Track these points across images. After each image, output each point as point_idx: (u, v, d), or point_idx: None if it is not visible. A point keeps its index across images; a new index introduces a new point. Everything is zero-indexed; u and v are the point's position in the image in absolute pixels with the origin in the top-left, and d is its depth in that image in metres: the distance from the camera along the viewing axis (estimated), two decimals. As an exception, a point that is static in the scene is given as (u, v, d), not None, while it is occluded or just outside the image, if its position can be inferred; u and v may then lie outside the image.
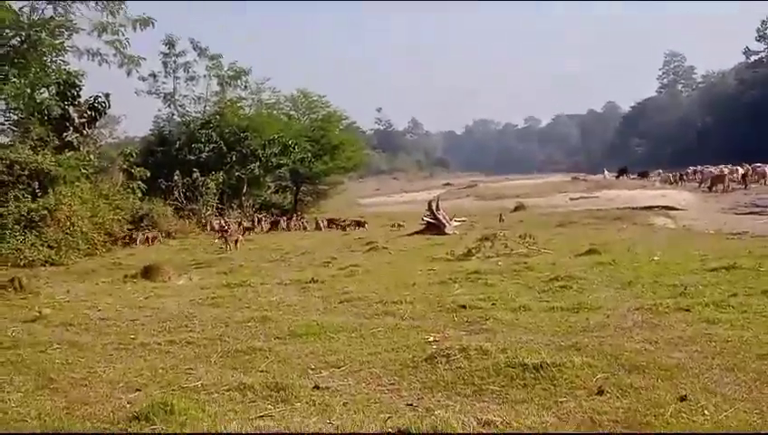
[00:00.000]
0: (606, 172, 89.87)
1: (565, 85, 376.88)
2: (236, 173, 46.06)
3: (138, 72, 32.65)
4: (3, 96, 26.28)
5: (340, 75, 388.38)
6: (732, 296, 11.21)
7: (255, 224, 38.83)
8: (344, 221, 38.74)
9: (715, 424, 6.09)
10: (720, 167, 67.32)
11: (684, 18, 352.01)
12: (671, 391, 6.90)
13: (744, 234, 24.65)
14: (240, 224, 36.95)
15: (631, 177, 78.31)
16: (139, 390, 7.81)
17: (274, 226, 39.13)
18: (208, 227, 36.35)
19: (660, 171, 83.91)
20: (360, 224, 37.51)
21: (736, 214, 36.27)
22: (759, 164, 61.13)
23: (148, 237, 31.15)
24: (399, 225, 36.18)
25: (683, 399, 6.64)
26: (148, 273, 18.00)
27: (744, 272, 13.67)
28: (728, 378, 7.26)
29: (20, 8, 26.09)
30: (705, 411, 6.35)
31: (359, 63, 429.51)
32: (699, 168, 71.52)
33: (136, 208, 34.13)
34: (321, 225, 38.25)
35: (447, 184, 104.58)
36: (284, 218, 41.13)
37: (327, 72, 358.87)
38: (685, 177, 68.53)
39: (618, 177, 78.17)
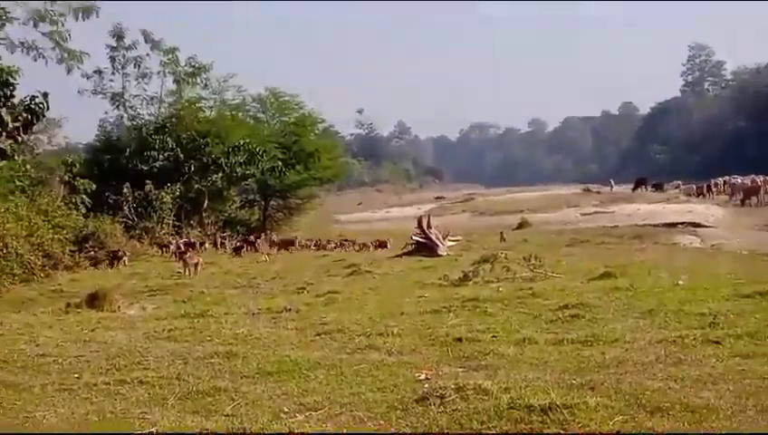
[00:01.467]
0: (613, 184, 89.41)
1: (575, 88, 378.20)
2: (196, 185, 46.04)
3: (80, 68, 32.57)
4: None
5: (317, 70, 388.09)
6: (769, 327, 11.24)
7: (260, 241, 38.46)
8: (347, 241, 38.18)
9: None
10: (752, 176, 67.50)
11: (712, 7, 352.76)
12: (699, 436, 6.92)
13: (782, 254, 24.79)
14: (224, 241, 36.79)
15: (649, 189, 77.79)
16: (86, 438, 7.79)
17: (286, 245, 38.68)
18: (172, 248, 35.96)
19: (679, 183, 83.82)
20: (382, 244, 36.52)
21: (773, 231, 36.50)
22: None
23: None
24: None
25: (713, 445, 6.66)
26: (94, 301, 17.93)
27: (782, 298, 13.72)
28: (765, 421, 7.28)
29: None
30: (738, 460, 6.38)
31: (337, 55, 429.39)
32: (729, 178, 71.46)
33: (79, 226, 33.98)
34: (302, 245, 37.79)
35: (440, 197, 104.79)
36: (254, 237, 40.83)
37: (301, 68, 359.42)
38: (714, 188, 68.36)
39: (634, 189, 77.80)
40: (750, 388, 8.26)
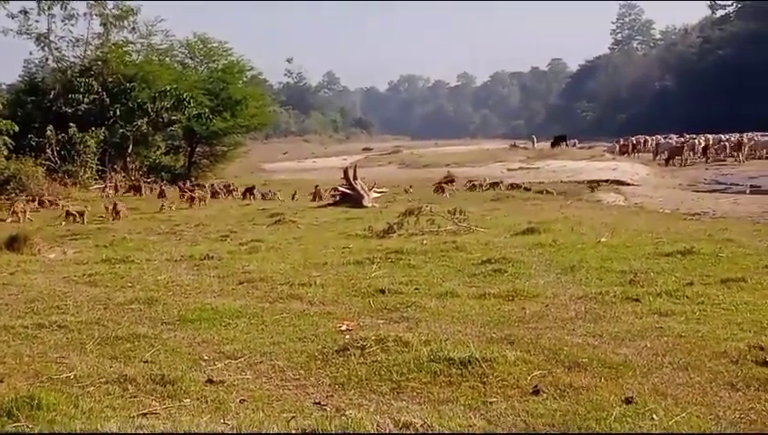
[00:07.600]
0: (535, 140, 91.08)
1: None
2: (121, 130, 45.40)
3: (5, 8, 31.88)
4: None
5: (244, 18, 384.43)
6: (687, 285, 11.39)
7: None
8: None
9: (664, 431, 6.21)
10: (671, 135, 68.58)
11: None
12: (616, 391, 7.00)
13: (704, 214, 25.16)
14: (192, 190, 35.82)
15: (561, 146, 78.26)
16: (1, 381, 7.69)
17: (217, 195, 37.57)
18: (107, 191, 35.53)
19: (575, 141, 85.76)
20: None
21: (696, 191, 37.13)
22: (754, 134, 62.43)
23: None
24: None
25: (629, 401, 6.73)
26: (13, 244, 17.59)
27: (701, 258, 13.89)
28: (680, 378, 7.37)
29: None
30: (654, 416, 6.44)
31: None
32: (653, 138, 72.23)
33: (1, 169, 33.45)
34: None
35: (367, 149, 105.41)
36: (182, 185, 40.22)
37: (229, 14, 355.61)
38: (635, 147, 69.15)
39: (553, 146, 78.60)
40: (667, 345, 8.38)
